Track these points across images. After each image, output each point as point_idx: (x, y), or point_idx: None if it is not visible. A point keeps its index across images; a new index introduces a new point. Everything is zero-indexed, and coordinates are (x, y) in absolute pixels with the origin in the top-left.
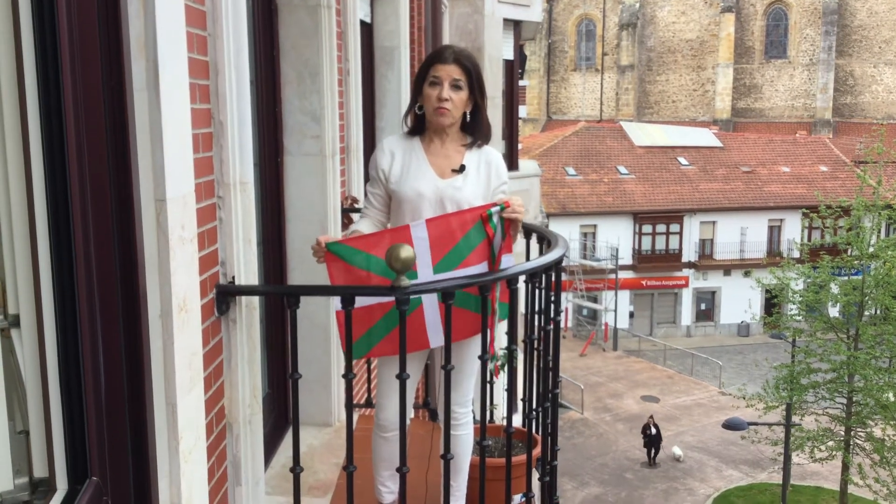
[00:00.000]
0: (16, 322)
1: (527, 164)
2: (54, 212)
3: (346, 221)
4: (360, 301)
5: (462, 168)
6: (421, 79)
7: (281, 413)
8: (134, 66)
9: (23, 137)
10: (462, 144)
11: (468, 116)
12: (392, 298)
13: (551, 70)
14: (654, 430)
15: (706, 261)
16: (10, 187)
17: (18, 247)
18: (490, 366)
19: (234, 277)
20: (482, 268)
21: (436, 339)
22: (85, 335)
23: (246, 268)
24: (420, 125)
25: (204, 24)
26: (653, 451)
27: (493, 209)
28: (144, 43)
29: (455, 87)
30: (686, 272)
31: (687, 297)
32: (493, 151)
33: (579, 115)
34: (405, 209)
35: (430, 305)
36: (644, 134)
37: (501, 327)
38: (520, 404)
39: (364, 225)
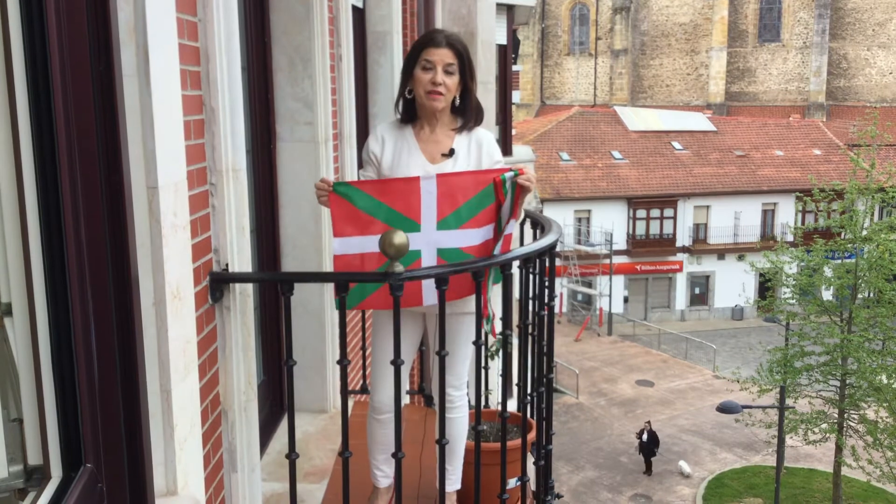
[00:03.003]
0: (8, 311)
1: (521, 150)
2: (44, 199)
3: None
4: (356, 247)
5: (451, 152)
6: (412, 63)
7: (276, 400)
8: (123, 52)
9: (11, 124)
10: (452, 129)
11: (458, 100)
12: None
13: (545, 55)
14: (645, 437)
15: (700, 245)
16: (0, 175)
17: (9, 235)
18: (486, 327)
19: (227, 265)
20: (486, 231)
21: (430, 297)
22: (77, 323)
23: (239, 255)
24: (411, 111)
25: (194, 10)
26: (649, 458)
27: (508, 174)
28: (134, 28)
29: (448, 71)
30: (680, 256)
31: (681, 281)
32: (485, 132)
33: (573, 100)
34: None
35: (429, 258)
36: (638, 118)
37: (496, 308)
38: (514, 389)
39: None
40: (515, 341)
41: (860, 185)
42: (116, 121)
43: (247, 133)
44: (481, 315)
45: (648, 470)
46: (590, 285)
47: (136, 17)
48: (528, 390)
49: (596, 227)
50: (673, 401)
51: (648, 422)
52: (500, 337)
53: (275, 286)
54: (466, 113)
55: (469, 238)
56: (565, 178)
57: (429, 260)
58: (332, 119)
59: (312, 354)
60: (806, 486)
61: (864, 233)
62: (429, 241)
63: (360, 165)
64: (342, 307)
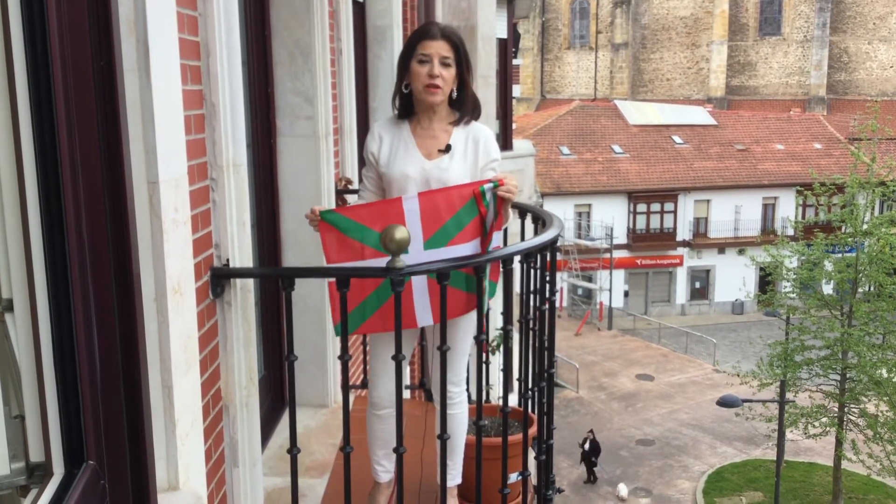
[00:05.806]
0: (9, 307)
1: (521, 144)
2: (45, 195)
3: (340, 203)
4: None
5: (448, 148)
6: (407, 56)
7: (277, 395)
8: (124, 47)
9: (12, 120)
10: (450, 122)
11: (454, 92)
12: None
13: (545, 48)
14: (587, 446)
15: (700, 239)
16: (1, 171)
17: (10, 231)
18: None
19: (228, 260)
20: (473, 245)
21: (424, 318)
22: (79, 319)
23: (240, 250)
24: (408, 105)
25: (194, 4)
26: (590, 467)
27: (487, 186)
28: (134, 22)
29: (444, 63)
30: (680, 251)
31: (681, 275)
32: (483, 128)
33: (573, 94)
34: (393, 190)
35: (419, 284)
36: (638, 112)
37: (495, 308)
38: (515, 384)
39: None
40: (516, 336)
41: (861, 179)
42: (117, 116)
43: (247, 128)
44: (482, 312)
45: (590, 478)
46: (590, 280)
47: (136, 11)
48: (529, 385)
49: (596, 221)
50: (673, 395)
51: (591, 430)
52: (501, 332)
53: (276, 281)
54: (463, 106)
55: (458, 254)
56: (565, 172)
57: (420, 282)
58: (333, 113)
59: (313, 349)
60: (806, 480)
61: (865, 227)
62: (418, 262)
63: (363, 164)
64: (344, 305)
